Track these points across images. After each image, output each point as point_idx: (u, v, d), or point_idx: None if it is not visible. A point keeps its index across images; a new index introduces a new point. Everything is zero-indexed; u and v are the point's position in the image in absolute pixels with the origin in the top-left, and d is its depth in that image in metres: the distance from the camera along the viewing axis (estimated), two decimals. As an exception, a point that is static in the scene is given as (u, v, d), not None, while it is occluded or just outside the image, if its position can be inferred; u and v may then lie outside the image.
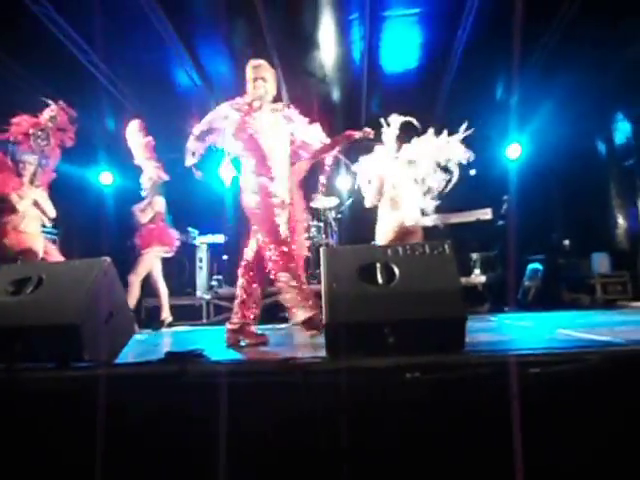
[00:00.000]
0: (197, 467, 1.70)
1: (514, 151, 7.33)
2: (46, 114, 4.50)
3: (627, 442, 1.66)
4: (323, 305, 1.93)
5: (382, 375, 1.72)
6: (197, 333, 4.70)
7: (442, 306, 1.86)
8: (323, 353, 1.89)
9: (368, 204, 4.17)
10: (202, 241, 7.09)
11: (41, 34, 5.15)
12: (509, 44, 5.13)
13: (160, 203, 5.45)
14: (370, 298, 1.90)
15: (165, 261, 6.71)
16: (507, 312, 5.45)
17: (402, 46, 5.91)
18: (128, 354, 2.26)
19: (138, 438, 1.72)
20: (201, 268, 6.86)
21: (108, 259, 2.11)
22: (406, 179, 3.99)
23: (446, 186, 4.09)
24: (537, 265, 6.13)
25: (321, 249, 2.12)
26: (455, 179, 4.02)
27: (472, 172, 6.17)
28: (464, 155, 4.00)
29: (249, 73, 3.52)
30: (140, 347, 3.14)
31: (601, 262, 6.22)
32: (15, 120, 4.43)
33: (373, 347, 1.83)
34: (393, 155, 4.12)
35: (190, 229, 6.72)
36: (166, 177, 5.37)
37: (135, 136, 5.19)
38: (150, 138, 5.27)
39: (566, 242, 6.97)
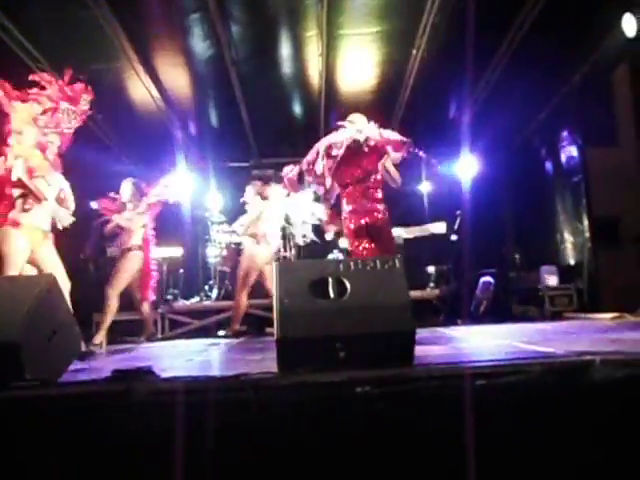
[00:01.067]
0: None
1: (465, 167, 7.56)
2: (84, 99, 3.90)
3: (571, 450, 1.72)
4: (275, 320, 1.92)
5: (333, 390, 1.72)
6: (150, 349, 4.58)
7: (391, 320, 1.89)
8: (274, 368, 1.89)
9: None
10: (158, 253, 6.94)
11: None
12: (462, 63, 5.33)
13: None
14: (322, 312, 1.91)
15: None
16: (460, 325, 5.57)
17: (359, 64, 6.03)
18: (75, 372, 2.19)
19: (82, 461, 1.66)
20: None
21: (52, 275, 2.05)
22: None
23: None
24: (489, 278, 6.31)
25: (273, 264, 2.12)
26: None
27: (453, 237, 6.39)
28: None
29: None
30: (92, 364, 3.05)
31: (549, 275, 6.47)
32: (46, 79, 3.72)
33: (324, 362, 1.83)
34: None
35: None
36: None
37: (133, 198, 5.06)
38: (148, 191, 5.14)
39: (516, 256, 7.22)
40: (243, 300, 5.27)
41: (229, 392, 1.73)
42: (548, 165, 7.31)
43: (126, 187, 5.13)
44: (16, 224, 3.37)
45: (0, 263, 3.21)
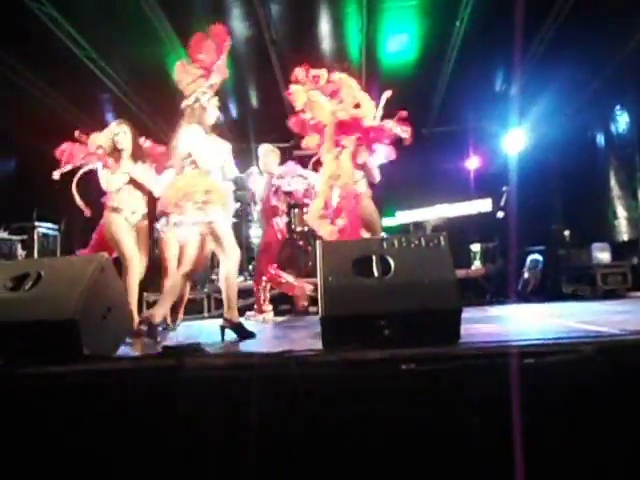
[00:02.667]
0: (196, 460, 1.72)
1: (514, 142, 7.32)
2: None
3: (622, 432, 1.67)
4: (319, 298, 1.94)
5: (378, 367, 1.73)
6: (197, 327, 4.72)
7: (437, 298, 1.87)
8: (319, 346, 1.91)
9: None
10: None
11: (40, 32, 5.15)
12: (508, 34, 5.11)
13: None
14: (366, 291, 1.91)
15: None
16: (507, 304, 5.46)
17: (400, 38, 5.89)
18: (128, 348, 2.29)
19: (136, 432, 1.74)
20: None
21: (106, 254, 2.13)
22: None
23: None
24: (537, 256, 6.13)
25: (317, 242, 2.13)
26: None
27: (500, 214, 6.20)
28: None
29: None
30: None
31: (601, 252, 6.21)
32: None
33: (369, 339, 1.84)
34: None
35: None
36: None
37: None
38: None
39: (566, 233, 6.97)
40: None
41: (274, 368, 1.76)
42: (599, 138, 6.98)
43: None
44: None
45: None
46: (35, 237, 6.75)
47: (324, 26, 5.63)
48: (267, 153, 4.92)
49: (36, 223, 6.83)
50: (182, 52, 5.78)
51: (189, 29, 5.57)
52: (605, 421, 1.65)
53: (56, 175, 3.84)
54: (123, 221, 3.71)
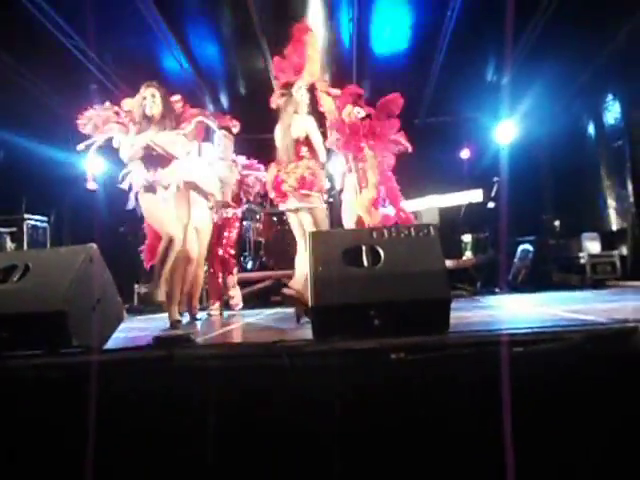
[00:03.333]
0: (186, 451, 1.72)
1: (504, 132, 7.33)
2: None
3: (610, 418, 1.69)
4: (309, 288, 1.94)
5: (368, 356, 1.73)
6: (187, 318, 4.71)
7: (427, 287, 1.88)
8: (310, 336, 1.91)
9: None
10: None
11: (26, 20, 5.07)
12: (499, 24, 5.09)
13: None
14: (356, 280, 1.92)
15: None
16: (498, 293, 5.49)
17: (391, 28, 5.86)
18: (117, 340, 2.28)
19: (127, 423, 1.74)
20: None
21: (94, 246, 2.11)
22: None
23: None
24: (527, 246, 6.17)
25: (307, 233, 2.13)
26: None
27: (490, 205, 6.20)
28: None
29: None
30: (130, 332, 3.17)
31: (591, 242, 6.27)
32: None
33: (359, 329, 1.85)
34: None
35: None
36: None
37: None
38: None
39: (556, 223, 7.01)
40: None
41: (265, 358, 1.76)
42: (590, 129, 7.01)
43: None
44: None
45: None
46: (24, 229, 6.69)
47: (314, 16, 5.58)
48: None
49: (25, 215, 6.77)
50: (171, 41, 5.76)
51: (178, 17, 5.56)
52: (593, 408, 1.67)
53: (81, 147, 3.63)
54: (155, 198, 3.44)
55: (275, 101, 3.64)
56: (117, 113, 3.55)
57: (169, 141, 3.44)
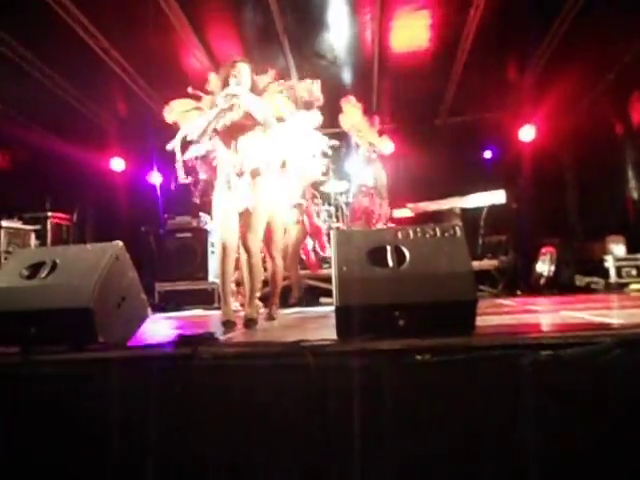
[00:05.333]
0: (210, 449, 1.72)
1: (528, 133, 7.23)
2: None
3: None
4: (334, 288, 1.93)
5: (392, 357, 1.72)
6: (209, 317, 4.74)
7: (453, 289, 1.85)
8: (333, 335, 1.90)
9: None
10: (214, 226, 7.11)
11: (51, 20, 5.15)
12: (524, 23, 5.04)
13: None
14: (380, 281, 1.90)
15: (177, 246, 6.77)
16: (520, 296, 5.42)
17: (413, 26, 5.82)
18: (141, 336, 2.29)
19: (150, 418, 1.75)
20: (213, 253, 6.89)
21: (120, 243, 2.13)
22: None
23: None
24: (550, 248, 6.07)
25: (331, 232, 2.11)
26: None
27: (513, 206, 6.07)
28: None
29: None
30: (153, 330, 3.18)
31: (616, 245, 6.14)
32: None
33: (383, 330, 1.83)
34: None
35: (202, 214, 6.74)
36: None
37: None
38: None
39: (580, 225, 6.89)
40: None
41: (289, 357, 1.76)
42: (618, 128, 6.87)
43: None
44: None
45: None
46: (48, 227, 6.81)
47: (336, 14, 5.57)
48: None
49: (49, 213, 6.89)
50: (194, 41, 5.80)
51: (201, 17, 5.59)
52: (625, 413, 1.63)
53: (170, 147, 3.43)
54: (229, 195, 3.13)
55: None
56: (198, 98, 3.37)
57: (257, 104, 3.13)
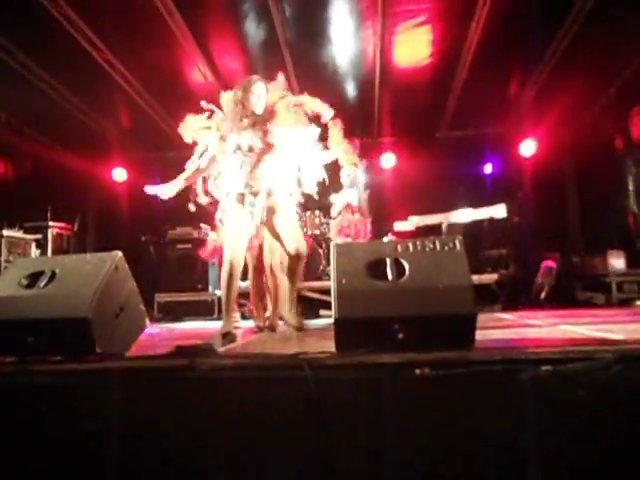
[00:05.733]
0: (207, 460, 1.71)
1: (528, 147, 7.25)
2: None
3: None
4: (333, 300, 1.93)
5: (391, 371, 1.71)
6: (208, 328, 4.72)
7: (452, 302, 1.85)
8: (332, 348, 1.89)
9: None
10: (214, 237, 7.12)
11: (56, 31, 5.20)
12: (525, 37, 5.07)
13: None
14: (379, 294, 1.90)
15: (178, 257, 6.77)
16: (520, 310, 5.40)
17: (415, 41, 5.86)
18: (139, 347, 2.28)
19: (148, 429, 1.74)
20: (213, 264, 6.88)
21: (120, 253, 2.13)
22: None
23: None
24: (551, 262, 6.06)
25: (331, 245, 2.11)
26: None
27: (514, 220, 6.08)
28: None
29: None
30: (152, 341, 3.18)
31: (616, 260, 6.13)
32: None
33: (382, 343, 1.82)
34: None
35: (203, 225, 6.75)
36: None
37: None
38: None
39: (581, 239, 6.89)
40: None
41: (287, 370, 1.75)
42: (618, 142, 6.89)
43: None
44: None
45: None
46: (49, 236, 6.82)
47: (338, 29, 5.62)
48: None
49: (50, 223, 6.90)
50: (198, 54, 5.85)
51: (205, 31, 5.64)
52: (625, 430, 1.62)
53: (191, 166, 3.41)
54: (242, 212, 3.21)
55: None
56: (212, 113, 3.39)
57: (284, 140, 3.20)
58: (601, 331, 2.66)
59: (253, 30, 5.63)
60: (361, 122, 7.22)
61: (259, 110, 3.26)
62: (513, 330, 3.23)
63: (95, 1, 5.04)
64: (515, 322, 3.96)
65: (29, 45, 5.46)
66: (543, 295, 5.93)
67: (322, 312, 5.50)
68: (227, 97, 3.44)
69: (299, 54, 5.97)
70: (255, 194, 3.19)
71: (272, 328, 3.76)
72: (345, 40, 5.81)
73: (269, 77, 6.18)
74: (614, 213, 6.86)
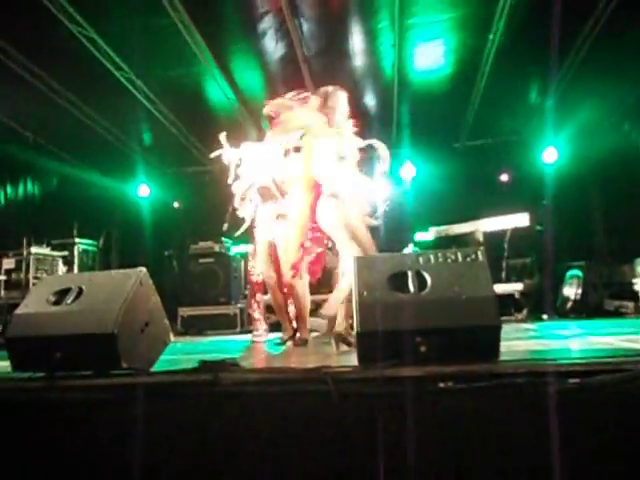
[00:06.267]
0: (230, 474, 1.71)
1: (551, 155, 7.16)
2: None
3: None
4: (354, 313, 1.92)
5: (414, 384, 1.69)
6: (231, 342, 4.75)
7: (475, 314, 1.82)
8: (354, 362, 1.89)
9: None
10: (236, 250, 7.18)
11: (79, 53, 5.36)
12: (544, 45, 5.03)
13: None
14: (401, 306, 1.88)
15: (200, 271, 6.84)
16: (546, 320, 5.30)
17: (433, 52, 5.88)
18: (164, 362, 2.31)
19: (172, 445, 1.75)
20: (235, 277, 6.93)
21: (144, 269, 2.17)
22: None
23: None
24: (577, 272, 5.94)
25: (352, 258, 2.12)
26: None
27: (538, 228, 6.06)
28: None
29: None
30: (176, 355, 3.20)
31: (645, 268, 5.97)
32: None
33: (405, 356, 1.80)
34: None
35: (224, 239, 6.82)
36: None
37: None
38: None
39: (608, 247, 6.74)
40: None
41: (310, 384, 1.75)
42: (642, 149, 6.77)
43: None
44: None
45: None
46: (75, 253, 6.96)
47: (356, 42, 5.67)
48: None
49: (77, 239, 7.04)
50: (216, 71, 5.96)
51: (224, 48, 5.75)
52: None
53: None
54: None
55: None
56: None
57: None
58: (630, 341, 2.60)
59: (272, 47, 5.72)
60: (380, 135, 7.23)
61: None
62: (538, 341, 3.17)
63: (117, 23, 5.19)
64: (541, 333, 3.89)
65: (53, 66, 5.63)
66: (569, 305, 5.81)
67: None
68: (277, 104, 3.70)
69: (317, 69, 6.02)
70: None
71: (302, 340, 3.67)
72: (363, 53, 5.85)
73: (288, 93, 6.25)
74: (640, 220, 6.71)
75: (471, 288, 1.87)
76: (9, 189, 8.11)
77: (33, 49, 5.32)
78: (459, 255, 1.99)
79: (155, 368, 2.15)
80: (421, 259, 2.00)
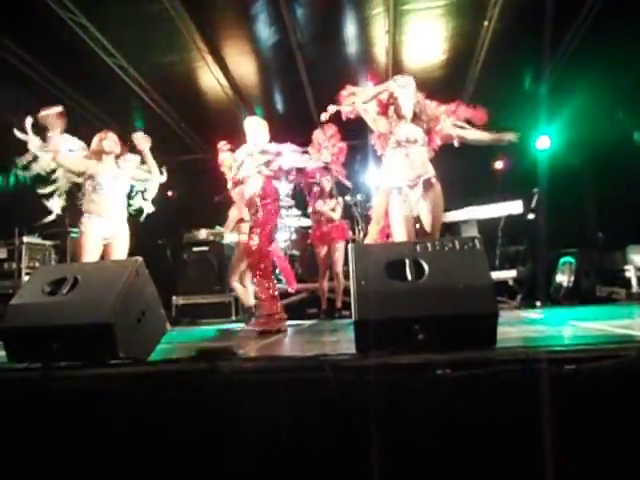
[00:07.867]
0: (228, 464, 1.72)
1: (544, 143, 7.17)
2: None
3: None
4: (352, 302, 1.93)
5: (412, 372, 1.70)
6: (226, 330, 4.75)
7: (473, 302, 1.83)
8: (352, 349, 1.89)
9: None
10: (230, 239, 7.15)
11: (70, 39, 5.28)
12: (538, 33, 5.01)
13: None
14: (399, 294, 1.89)
15: (194, 259, 6.82)
16: (539, 307, 5.35)
17: (427, 39, 5.84)
18: (161, 350, 2.31)
19: (170, 434, 1.75)
20: (230, 265, 6.91)
21: (140, 259, 2.16)
22: None
23: None
24: (569, 259, 5.98)
25: (349, 246, 2.12)
26: None
27: (530, 216, 6.14)
28: None
29: None
30: (172, 344, 3.20)
31: (636, 254, 6.02)
32: None
33: (403, 344, 1.81)
34: None
35: (218, 227, 6.79)
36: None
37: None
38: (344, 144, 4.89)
39: (600, 234, 6.79)
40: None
41: (308, 372, 1.75)
42: (636, 136, 6.78)
43: None
44: None
45: None
46: (68, 242, 6.90)
47: (350, 29, 5.62)
48: None
49: (69, 229, 6.98)
50: (209, 58, 5.89)
51: (216, 36, 5.68)
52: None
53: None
54: None
55: None
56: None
57: None
58: (623, 328, 2.62)
59: (265, 33, 5.65)
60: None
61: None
62: (533, 328, 3.20)
63: (108, 9, 5.10)
64: (534, 319, 3.92)
65: (43, 53, 5.55)
66: (562, 291, 5.86)
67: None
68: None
69: (311, 56, 5.97)
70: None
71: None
72: (357, 41, 5.80)
73: (284, 82, 6.23)
74: (632, 207, 6.74)
75: (469, 276, 1.88)
76: (0, 178, 8.02)
77: (23, 36, 5.23)
78: (457, 243, 2.00)
79: (152, 357, 2.15)
80: (418, 247, 2.01)
